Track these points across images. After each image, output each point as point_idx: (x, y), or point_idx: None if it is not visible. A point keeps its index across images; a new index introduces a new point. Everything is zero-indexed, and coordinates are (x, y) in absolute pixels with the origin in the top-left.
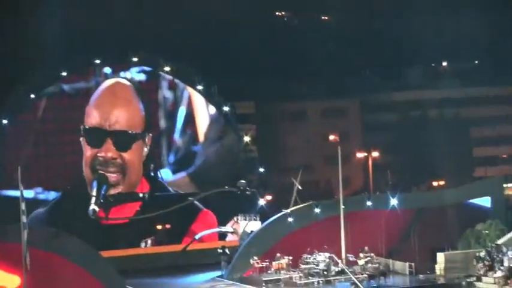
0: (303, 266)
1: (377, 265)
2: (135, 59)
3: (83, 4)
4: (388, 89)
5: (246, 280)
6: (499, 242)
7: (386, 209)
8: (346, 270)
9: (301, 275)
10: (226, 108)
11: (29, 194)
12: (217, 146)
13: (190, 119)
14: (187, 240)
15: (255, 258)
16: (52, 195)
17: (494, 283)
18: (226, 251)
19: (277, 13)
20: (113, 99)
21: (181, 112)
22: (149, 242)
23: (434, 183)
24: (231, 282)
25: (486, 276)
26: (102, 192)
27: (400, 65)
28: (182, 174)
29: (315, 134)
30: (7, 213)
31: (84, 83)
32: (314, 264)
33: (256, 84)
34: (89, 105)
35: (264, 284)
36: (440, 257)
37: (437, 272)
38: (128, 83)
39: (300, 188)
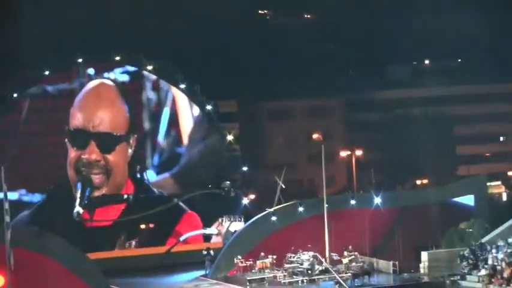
0: (287, 265)
1: (361, 264)
2: (117, 58)
3: (63, 3)
4: (372, 88)
5: (230, 279)
6: (483, 240)
7: (370, 207)
8: (330, 269)
9: (285, 274)
10: (209, 107)
11: (13, 196)
12: (201, 146)
13: (174, 120)
14: (171, 241)
15: (239, 257)
16: (37, 197)
17: (479, 281)
18: (211, 252)
19: (260, 11)
20: (96, 101)
21: (166, 113)
22: (133, 243)
23: (418, 182)
24: (215, 281)
25: (470, 274)
26: (87, 194)
27: (384, 64)
28: (165, 175)
29: (298, 133)
30: None
31: (68, 84)
32: (298, 263)
33: (239, 82)
34: (73, 106)
35: (248, 283)
36: (424, 255)
37: (421, 270)
38: (112, 84)
39: (283, 186)
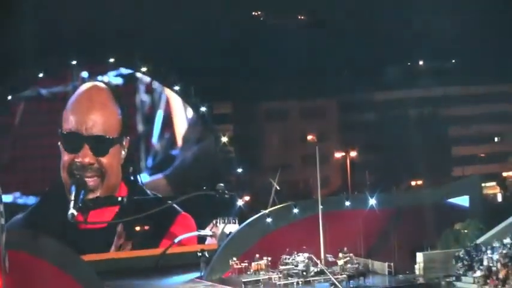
0: (282, 267)
1: (356, 265)
2: (111, 60)
3: (58, 5)
4: (366, 89)
5: (225, 281)
6: (478, 241)
7: (365, 209)
8: (325, 270)
9: (280, 275)
10: (203, 109)
11: (7, 198)
12: (195, 148)
13: (168, 122)
14: (165, 243)
15: (234, 259)
16: (31, 199)
17: (474, 283)
18: (206, 254)
19: (254, 13)
20: (89, 104)
21: (159, 116)
22: (128, 245)
23: (413, 183)
24: (210, 283)
25: (465, 275)
26: (81, 196)
27: (378, 65)
28: (159, 176)
29: (293, 134)
30: None
31: (62, 87)
32: (293, 265)
33: (233, 84)
34: (66, 110)
35: (243, 285)
36: (420, 256)
37: (417, 272)
38: (104, 86)
39: (278, 188)
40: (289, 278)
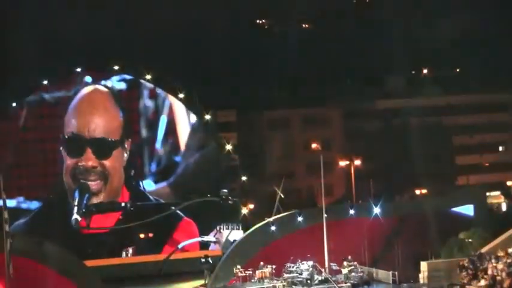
0: (286, 275)
1: (360, 274)
2: (116, 67)
3: (63, 12)
4: (370, 97)
5: None
6: (483, 250)
7: (369, 217)
8: (329, 279)
9: (284, 284)
10: (207, 117)
11: (11, 203)
12: (198, 155)
13: (171, 128)
14: (168, 248)
15: (238, 267)
16: (34, 204)
17: None
18: (209, 260)
19: (258, 21)
20: (90, 107)
21: (163, 121)
22: (130, 251)
23: (417, 192)
24: None
25: (470, 285)
26: (84, 201)
27: (382, 73)
28: (163, 184)
29: (297, 142)
30: None
31: (65, 91)
32: (297, 273)
33: (237, 92)
34: (67, 114)
35: None
36: (424, 265)
37: (421, 280)
38: (105, 89)
39: (282, 196)
40: (294, 286)
